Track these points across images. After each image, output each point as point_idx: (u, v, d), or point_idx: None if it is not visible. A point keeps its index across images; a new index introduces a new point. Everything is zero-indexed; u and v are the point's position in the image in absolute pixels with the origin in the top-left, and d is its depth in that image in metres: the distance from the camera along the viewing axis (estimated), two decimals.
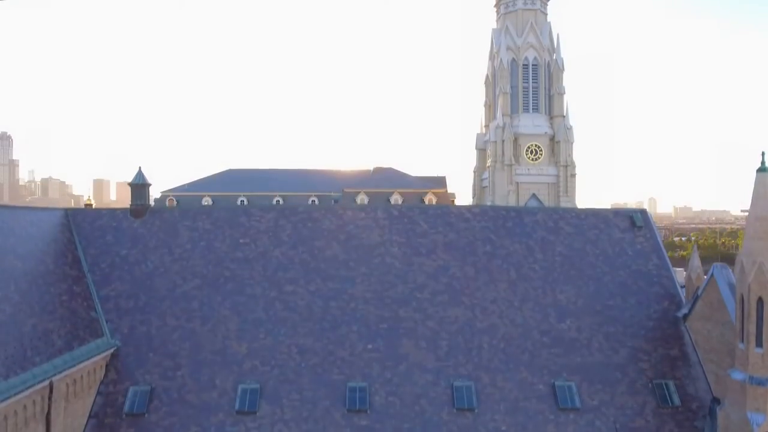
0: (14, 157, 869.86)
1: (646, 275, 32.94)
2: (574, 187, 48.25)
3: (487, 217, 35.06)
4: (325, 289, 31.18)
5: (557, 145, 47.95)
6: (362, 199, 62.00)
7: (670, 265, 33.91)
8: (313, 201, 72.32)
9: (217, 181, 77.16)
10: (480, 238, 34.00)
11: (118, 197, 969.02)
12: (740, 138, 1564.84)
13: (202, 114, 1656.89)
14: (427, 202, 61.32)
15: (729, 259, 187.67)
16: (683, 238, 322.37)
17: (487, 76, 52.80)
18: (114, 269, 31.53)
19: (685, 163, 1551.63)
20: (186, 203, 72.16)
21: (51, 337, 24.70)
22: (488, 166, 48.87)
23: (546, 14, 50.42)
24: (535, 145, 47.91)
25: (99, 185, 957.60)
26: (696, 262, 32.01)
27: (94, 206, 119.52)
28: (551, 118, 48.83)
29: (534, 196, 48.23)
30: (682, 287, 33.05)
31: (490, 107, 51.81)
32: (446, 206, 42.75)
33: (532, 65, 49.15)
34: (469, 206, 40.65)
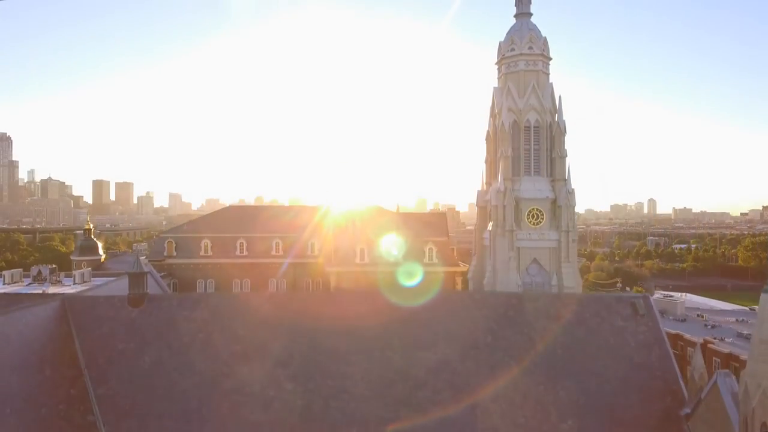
0: (14, 158, 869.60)
1: (648, 368, 32.64)
2: (575, 253, 48.06)
3: (488, 305, 34.79)
4: (324, 387, 30.85)
5: (558, 209, 47.71)
6: (362, 248, 61.73)
7: (673, 357, 33.64)
8: (313, 244, 72.14)
9: (217, 221, 76.86)
10: (481, 327, 33.71)
11: (117, 197, 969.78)
12: (740, 139, 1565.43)
13: (201, 114, 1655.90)
14: (426, 253, 61.07)
15: (728, 272, 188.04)
16: (683, 247, 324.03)
17: (488, 133, 52.58)
18: (111, 365, 31.16)
19: (685, 164, 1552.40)
20: (185, 244, 71.96)
21: None
22: (489, 230, 48.61)
23: (548, 74, 50.24)
24: (537, 209, 47.73)
25: (98, 186, 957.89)
26: (699, 360, 31.72)
27: (92, 229, 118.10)
28: (553, 180, 48.58)
29: (535, 260, 47.97)
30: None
31: (491, 164, 51.55)
32: (448, 293, 42.64)
33: (534, 127, 48.98)
34: (471, 292, 40.45)
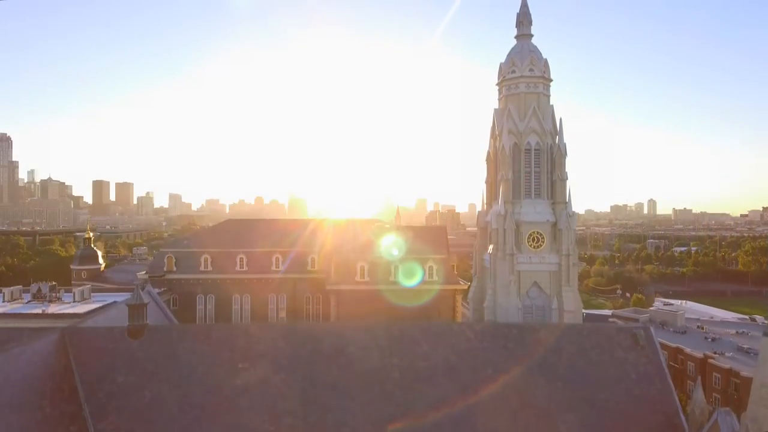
0: (14, 159, 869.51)
1: (649, 401, 32.59)
2: (575, 276, 48.00)
3: (488, 336, 34.73)
4: (324, 422, 30.81)
5: (559, 232, 47.66)
6: (362, 266, 61.63)
7: (673, 389, 33.56)
8: (313, 258, 71.97)
9: (217, 235, 76.63)
10: (481, 359, 33.65)
11: (117, 198, 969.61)
12: (739, 141, 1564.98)
13: (201, 115, 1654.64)
14: (427, 271, 60.99)
15: (728, 277, 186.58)
16: (683, 249, 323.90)
17: (488, 153, 52.50)
18: (111, 399, 31.08)
19: (685, 164, 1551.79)
20: (185, 260, 71.76)
21: None
22: (490, 253, 48.55)
23: (548, 96, 50.13)
24: (537, 233, 47.66)
25: (98, 186, 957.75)
26: (699, 395, 31.71)
27: (92, 238, 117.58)
28: (553, 203, 48.52)
29: (536, 283, 47.90)
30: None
31: (492, 185, 51.47)
32: (448, 325, 42.65)
33: (535, 150, 48.92)
34: (471, 323, 40.41)
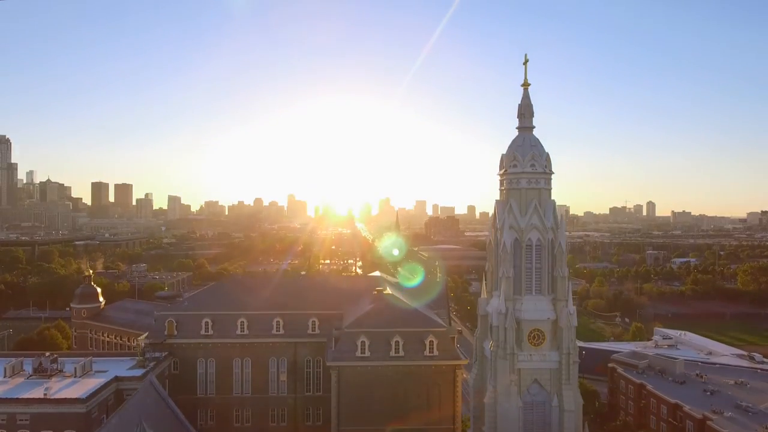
0: (13, 161, 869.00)
1: None
2: (576, 374, 48.09)
3: None
4: None
5: (560, 330, 47.77)
6: (363, 341, 61.61)
7: None
8: (314, 322, 71.91)
9: (217, 296, 76.44)
10: None
11: (116, 199, 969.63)
12: (739, 142, 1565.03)
13: (201, 115, 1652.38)
14: (428, 346, 61.09)
15: (727, 296, 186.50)
16: (682, 261, 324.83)
17: (489, 241, 52.56)
18: None
19: (685, 166, 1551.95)
20: (185, 323, 71.68)
21: None
22: (491, 348, 48.67)
23: (550, 189, 50.16)
24: (538, 330, 47.76)
25: (97, 187, 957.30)
26: None
27: (92, 275, 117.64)
28: (554, 299, 48.64)
29: (536, 381, 48.00)
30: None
31: (492, 273, 51.56)
32: None
33: (536, 246, 48.97)
34: None
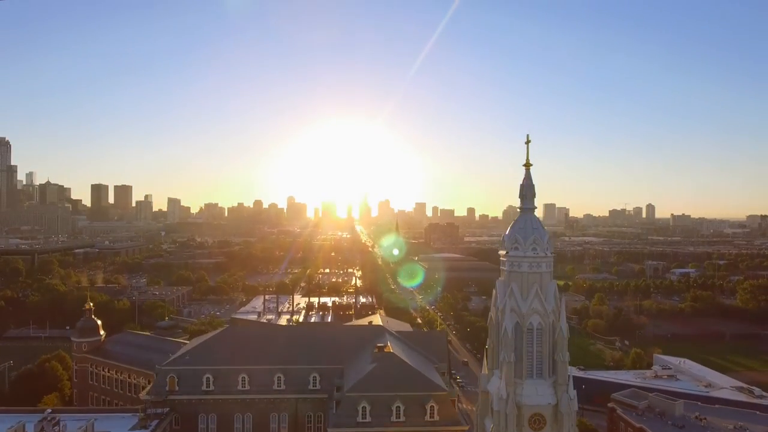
0: (12, 163, 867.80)
1: None
2: None
3: None
4: None
5: (560, 414, 47.96)
6: (365, 407, 61.80)
7: None
8: (315, 377, 72.07)
9: (218, 349, 76.49)
10: None
11: (116, 201, 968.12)
12: (739, 144, 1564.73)
13: (201, 116, 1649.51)
14: (428, 411, 61.34)
15: (726, 314, 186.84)
16: (681, 272, 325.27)
17: (490, 318, 52.73)
18: None
19: (685, 168, 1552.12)
20: (187, 379, 71.74)
21: None
22: (492, 430, 48.90)
23: (551, 272, 50.29)
24: (539, 415, 47.95)
25: (97, 189, 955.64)
26: None
27: (92, 308, 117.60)
28: (555, 383, 48.82)
29: None
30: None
31: (494, 350, 51.73)
32: None
33: (537, 330, 49.13)
34: None
